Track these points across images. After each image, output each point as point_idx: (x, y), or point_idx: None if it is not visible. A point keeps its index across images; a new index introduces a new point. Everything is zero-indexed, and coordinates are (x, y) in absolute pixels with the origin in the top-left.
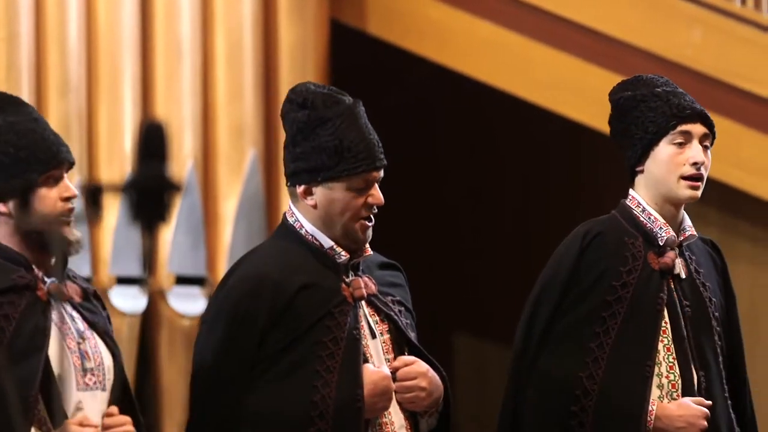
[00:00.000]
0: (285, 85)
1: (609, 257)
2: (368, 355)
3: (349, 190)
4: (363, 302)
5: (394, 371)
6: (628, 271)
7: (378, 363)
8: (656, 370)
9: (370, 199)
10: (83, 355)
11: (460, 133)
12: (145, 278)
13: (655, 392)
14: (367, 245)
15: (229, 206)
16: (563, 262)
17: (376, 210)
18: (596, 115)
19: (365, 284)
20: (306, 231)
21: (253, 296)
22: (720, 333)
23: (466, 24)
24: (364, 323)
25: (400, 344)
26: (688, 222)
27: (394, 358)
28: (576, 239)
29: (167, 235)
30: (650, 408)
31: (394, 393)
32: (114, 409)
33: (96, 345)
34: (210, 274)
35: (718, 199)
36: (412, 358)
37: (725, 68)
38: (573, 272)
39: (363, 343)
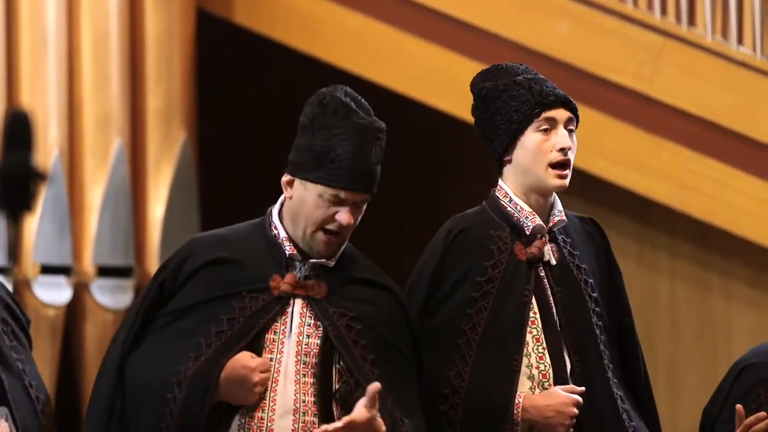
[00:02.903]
0: (151, 74)
1: (473, 253)
2: (274, 349)
3: (319, 198)
4: (300, 301)
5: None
6: (493, 265)
7: (285, 359)
8: (526, 361)
9: (337, 216)
10: None
11: None
12: (9, 268)
13: (525, 384)
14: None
15: (95, 195)
16: (428, 263)
17: (346, 231)
18: (466, 107)
19: (310, 286)
20: (271, 220)
21: (172, 257)
22: (600, 312)
23: (333, 14)
24: (287, 319)
25: (329, 352)
26: (558, 207)
27: (316, 363)
28: (439, 238)
29: (32, 224)
30: (517, 400)
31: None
32: None
33: None
34: (76, 263)
35: (583, 189)
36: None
37: (591, 59)
38: (437, 272)
39: (272, 336)
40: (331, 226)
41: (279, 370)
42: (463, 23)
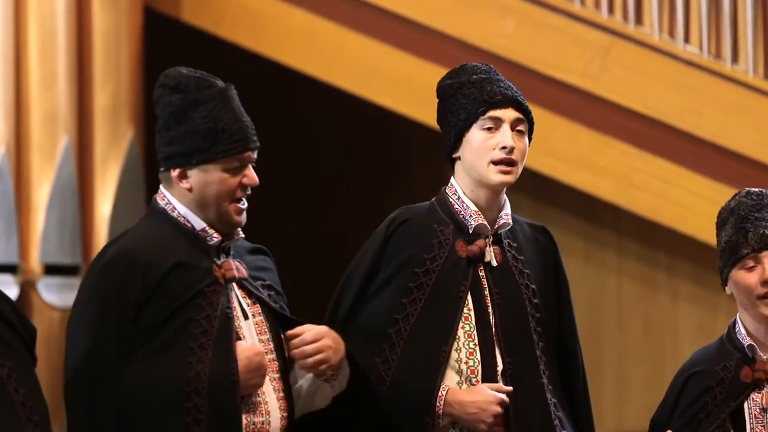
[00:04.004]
0: (99, 72)
1: (414, 244)
2: (241, 335)
3: (224, 172)
4: (234, 284)
5: (291, 338)
6: (432, 258)
7: (252, 342)
8: (455, 356)
9: (244, 180)
10: None
11: (275, 119)
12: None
13: (453, 377)
14: (239, 229)
15: (41, 193)
16: (369, 249)
17: (250, 191)
18: (410, 104)
19: (236, 267)
20: (178, 213)
21: (126, 273)
22: (541, 319)
23: (280, 11)
24: (236, 304)
25: (273, 326)
26: (506, 210)
27: (269, 339)
28: (382, 227)
29: None
30: (440, 393)
31: (312, 363)
32: None
33: None
34: (22, 261)
35: (530, 187)
36: (305, 326)
37: (537, 57)
38: (377, 259)
39: (236, 323)
40: (240, 193)
41: None
42: (408, 20)
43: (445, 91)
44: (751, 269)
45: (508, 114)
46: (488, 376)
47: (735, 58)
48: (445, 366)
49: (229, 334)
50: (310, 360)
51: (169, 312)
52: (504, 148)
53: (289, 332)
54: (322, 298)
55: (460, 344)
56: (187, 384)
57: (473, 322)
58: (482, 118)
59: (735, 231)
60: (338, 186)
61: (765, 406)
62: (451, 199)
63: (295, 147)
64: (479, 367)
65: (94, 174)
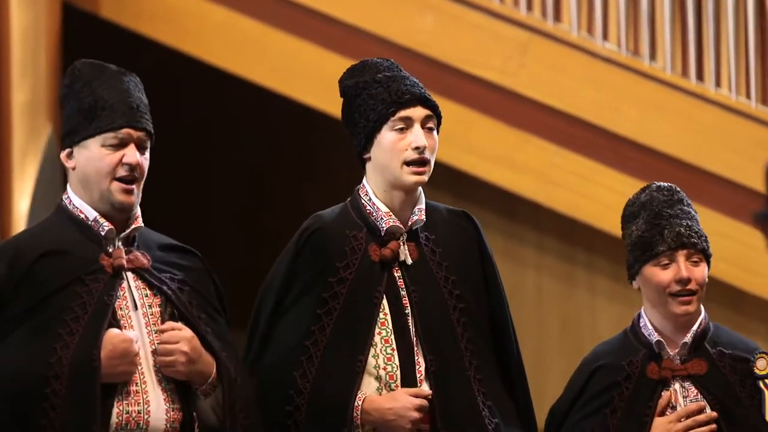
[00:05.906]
0: (17, 68)
1: (326, 253)
2: (126, 324)
3: (103, 147)
4: (130, 274)
5: (161, 333)
6: (345, 266)
7: (138, 332)
8: (373, 362)
9: (124, 158)
10: None
11: (196, 116)
12: None
13: (373, 384)
14: (139, 217)
15: None
16: (282, 262)
17: (138, 174)
18: (331, 100)
19: (135, 258)
20: (74, 205)
21: None
22: (466, 309)
23: (199, 8)
24: (127, 294)
25: (172, 319)
26: (419, 205)
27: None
28: (294, 238)
29: None
30: (357, 403)
31: (157, 358)
32: None
33: None
34: None
35: (450, 184)
36: (180, 324)
37: (457, 54)
38: (290, 272)
39: (120, 312)
40: (122, 172)
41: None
42: (327, 17)
43: (350, 90)
44: (665, 266)
45: (417, 112)
46: (408, 379)
47: (653, 55)
48: (362, 375)
49: (100, 321)
50: (167, 359)
51: (37, 300)
52: (417, 148)
53: (159, 327)
54: (241, 292)
55: (378, 350)
56: (48, 369)
57: (390, 326)
58: (392, 119)
59: (649, 227)
60: (260, 183)
61: (674, 403)
62: (363, 201)
63: (217, 144)
64: (398, 372)
65: (12, 170)
